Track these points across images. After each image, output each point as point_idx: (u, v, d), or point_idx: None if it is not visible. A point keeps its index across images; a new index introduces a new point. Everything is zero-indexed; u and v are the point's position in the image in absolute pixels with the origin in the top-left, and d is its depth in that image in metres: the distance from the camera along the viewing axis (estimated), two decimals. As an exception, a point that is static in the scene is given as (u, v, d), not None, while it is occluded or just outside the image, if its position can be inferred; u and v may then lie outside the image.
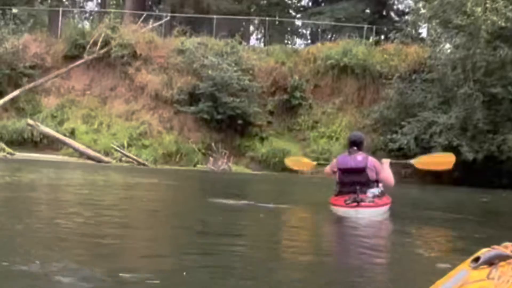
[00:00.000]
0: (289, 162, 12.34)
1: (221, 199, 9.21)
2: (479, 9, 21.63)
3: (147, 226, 6.16)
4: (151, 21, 31.68)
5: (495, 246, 1.65)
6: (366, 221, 7.63)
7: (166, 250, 4.74)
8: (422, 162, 10.34)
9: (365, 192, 8.16)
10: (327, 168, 8.98)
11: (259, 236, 5.89)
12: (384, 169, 8.64)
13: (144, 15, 32.21)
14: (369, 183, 8.31)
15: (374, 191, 8.29)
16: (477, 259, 1.57)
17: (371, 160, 8.50)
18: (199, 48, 28.87)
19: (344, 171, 8.40)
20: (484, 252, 1.59)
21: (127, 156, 24.80)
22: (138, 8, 34.78)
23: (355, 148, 8.54)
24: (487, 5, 21.73)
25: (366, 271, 4.31)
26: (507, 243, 1.70)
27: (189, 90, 27.95)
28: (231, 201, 8.95)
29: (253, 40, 41.66)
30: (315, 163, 12.22)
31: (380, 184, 8.56)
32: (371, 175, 8.34)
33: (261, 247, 5.18)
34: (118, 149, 25.05)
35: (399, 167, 25.22)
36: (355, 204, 7.93)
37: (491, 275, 1.49)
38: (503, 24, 21.45)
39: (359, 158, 8.38)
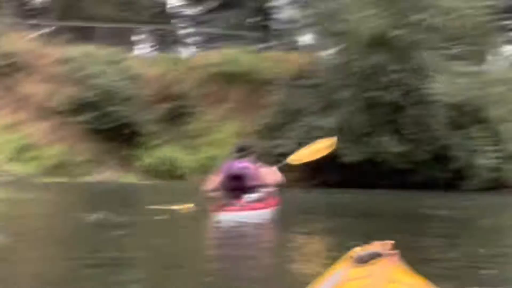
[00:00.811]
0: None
1: (90, 214, 8.73)
2: (354, 16, 22.58)
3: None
4: (34, 30, 30.80)
5: (369, 245, 1.81)
6: (233, 225, 8.01)
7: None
8: (298, 158, 10.65)
9: (242, 197, 8.68)
10: (212, 179, 9.14)
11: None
12: (269, 173, 9.16)
13: (27, 23, 31.26)
14: (249, 189, 8.76)
15: (252, 195, 8.76)
16: (353, 258, 1.71)
17: (253, 166, 8.92)
18: (84, 57, 28.42)
19: (227, 178, 8.81)
20: (359, 251, 1.73)
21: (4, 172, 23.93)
22: (22, 17, 33.76)
23: (239, 154, 9.02)
24: (362, 12, 22.75)
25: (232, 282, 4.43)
26: (379, 242, 1.87)
27: (75, 100, 27.41)
28: (100, 216, 8.55)
29: (141, 49, 41.28)
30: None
31: (266, 189, 8.99)
32: (253, 181, 8.78)
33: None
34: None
35: (288, 172, 26.06)
36: (228, 208, 8.44)
37: (366, 272, 1.59)
38: (377, 31, 22.48)
39: (240, 165, 8.84)
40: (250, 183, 8.79)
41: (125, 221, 8.32)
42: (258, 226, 8.34)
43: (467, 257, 5.64)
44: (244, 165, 8.86)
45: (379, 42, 23.56)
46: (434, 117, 23.12)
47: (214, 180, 9.05)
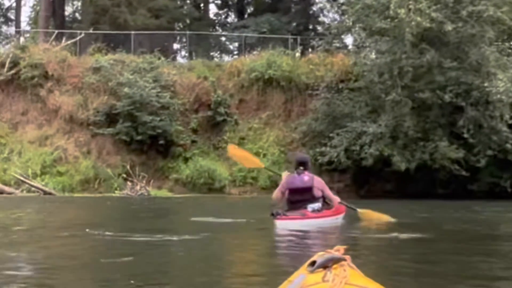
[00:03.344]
0: (233, 151, 11.97)
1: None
2: (402, 10, 20.80)
3: None
4: (64, 39, 29.71)
5: (329, 250, 1.79)
6: (290, 233, 8.17)
7: None
8: (366, 216, 10.55)
9: (305, 208, 9.10)
10: (277, 192, 9.64)
11: None
12: (330, 194, 9.64)
13: (55, 33, 30.21)
14: (313, 200, 9.22)
15: (314, 206, 9.18)
16: (313, 263, 1.66)
17: (317, 179, 9.46)
18: (115, 66, 27.11)
19: (293, 191, 9.28)
20: (319, 256, 1.69)
21: (32, 186, 22.75)
22: (53, 26, 32.84)
23: (302, 168, 9.43)
24: (411, 6, 20.88)
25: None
26: (339, 246, 1.86)
27: (106, 111, 26.15)
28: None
29: (180, 58, 40.04)
30: (263, 165, 12.66)
31: (332, 200, 9.61)
32: (317, 192, 9.29)
33: None
34: (22, 178, 22.97)
35: (334, 181, 24.14)
36: (294, 216, 8.89)
37: (326, 277, 1.58)
38: (428, 25, 20.62)
39: (305, 178, 9.29)
40: (313, 195, 9.24)
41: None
42: (321, 232, 8.72)
43: None
44: (306, 178, 9.29)
45: (431, 38, 21.56)
46: (497, 118, 20.90)
47: (278, 193, 9.56)
